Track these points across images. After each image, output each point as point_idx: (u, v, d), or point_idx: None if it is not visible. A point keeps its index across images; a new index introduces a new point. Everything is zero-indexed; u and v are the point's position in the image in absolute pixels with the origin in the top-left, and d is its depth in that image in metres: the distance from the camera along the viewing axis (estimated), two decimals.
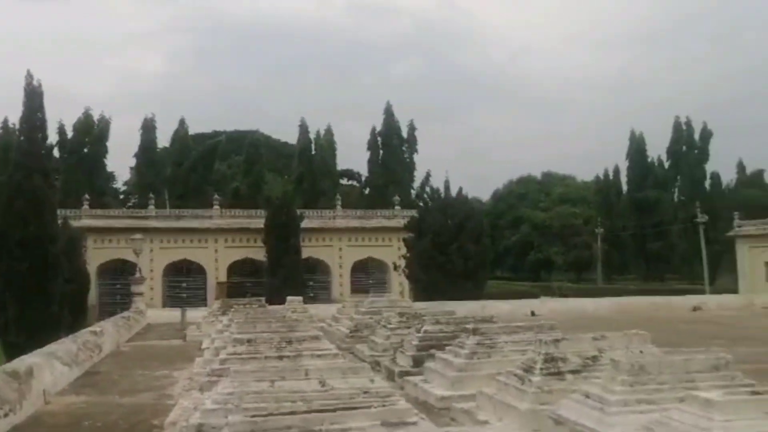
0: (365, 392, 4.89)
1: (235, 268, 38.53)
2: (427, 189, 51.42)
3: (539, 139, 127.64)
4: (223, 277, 37.74)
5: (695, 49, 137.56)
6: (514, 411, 6.54)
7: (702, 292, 40.22)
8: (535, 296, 36.81)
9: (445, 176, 44.49)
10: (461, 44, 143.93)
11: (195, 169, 50.25)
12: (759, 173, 64.87)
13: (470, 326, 9.63)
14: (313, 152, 52.79)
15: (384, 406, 4.50)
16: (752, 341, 12.26)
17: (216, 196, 41.02)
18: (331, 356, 6.89)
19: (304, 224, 37.22)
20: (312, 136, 53.44)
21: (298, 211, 37.61)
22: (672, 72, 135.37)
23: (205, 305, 28.02)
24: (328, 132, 54.46)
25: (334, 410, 4.33)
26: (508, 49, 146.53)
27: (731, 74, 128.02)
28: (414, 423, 4.40)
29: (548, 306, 22.71)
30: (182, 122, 53.74)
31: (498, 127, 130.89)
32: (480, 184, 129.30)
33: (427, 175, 53.70)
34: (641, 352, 7.01)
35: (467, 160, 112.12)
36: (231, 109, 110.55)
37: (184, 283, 37.75)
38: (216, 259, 38.30)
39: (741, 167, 63.10)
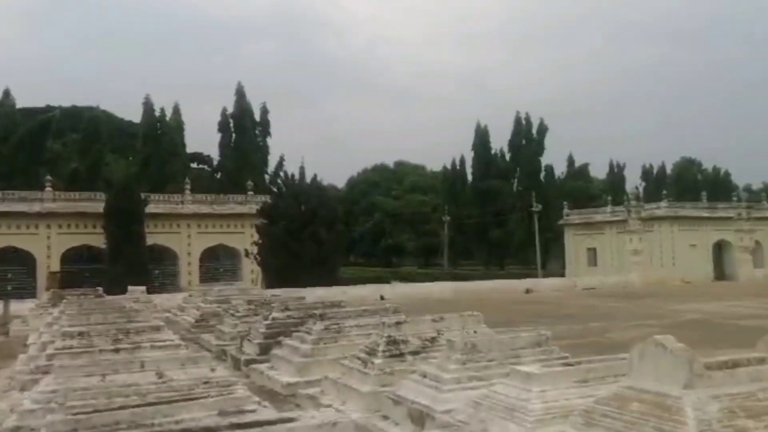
0: (205, 382, 4.79)
1: (70, 257, 35.84)
2: (281, 174, 50.82)
3: (395, 128, 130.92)
4: (56, 266, 34.97)
5: (538, 49, 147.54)
6: (357, 394, 6.71)
7: (536, 275, 43.45)
8: (387, 281, 37.91)
9: (301, 162, 44.20)
10: (320, 29, 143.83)
11: (23, 147, 45.81)
12: (585, 167, 71.06)
13: (318, 312, 9.75)
14: (160, 132, 50.20)
15: (222, 395, 4.44)
16: (572, 319, 13.46)
17: (48, 177, 37.78)
18: (172, 347, 6.67)
19: (150, 209, 35.36)
20: (158, 114, 50.78)
21: (143, 195, 35.64)
22: (518, 70, 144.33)
23: (35, 297, 25.83)
24: (176, 111, 51.89)
25: (170, 402, 4.21)
26: (369, 37, 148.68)
27: (567, 68, 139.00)
28: (253, 411, 4.39)
29: (398, 290, 23.44)
30: (7, 93, 48.76)
31: (357, 115, 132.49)
32: (337, 170, 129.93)
33: (281, 160, 52.95)
34: (475, 332, 7.47)
35: (325, 147, 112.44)
36: (67, 83, 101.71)
37: (9, 273, 34.52)
38: (48, 246, 35.37)
39: (570, 160, 68.82)
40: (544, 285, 22.57)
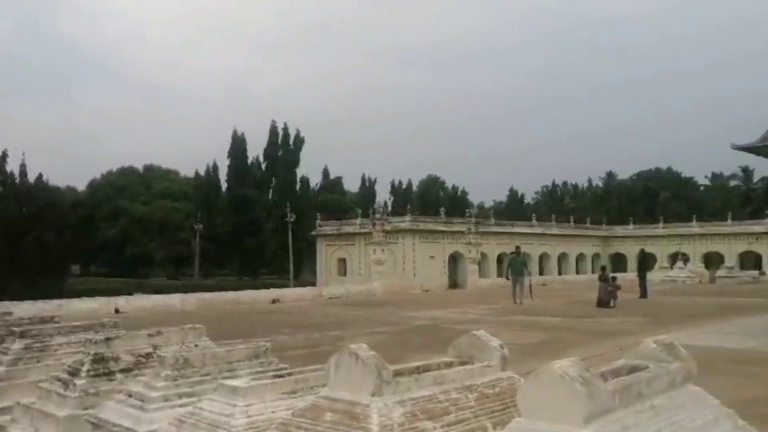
0: None
1: None
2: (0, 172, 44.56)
3: (150, 128, 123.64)
4: None
5: (300, 58, 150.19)
6: (53, 419, 5.89)
7: (288, 285, 43.72)
8: (129, 293, 35.18)
9: (21, 159, 38.87)
10: (64, 11, 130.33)
11: None
12: (339, 180, 74.04)
13: (17, 329, 8.48)
14: None
15: None
16: (312, 328, 13.58)
17: None
18: None
19: None
20: None
21: None
22: (280, 78, 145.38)
23: None
24: None
25: None
26: (126, 30, 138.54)
27: (329, 80, 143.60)
28: None
29: (136, 303, 21.72)
30: None
31: (111, 110, 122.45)
32: (81, 169, 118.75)
33: (4, 156, 46.68)
34: (196, 345, 7.03)
35: (65, 143, 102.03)
36: None
37: None
38: None
39: (326, 173, 71.16)
40: (291, 295, 22.67)
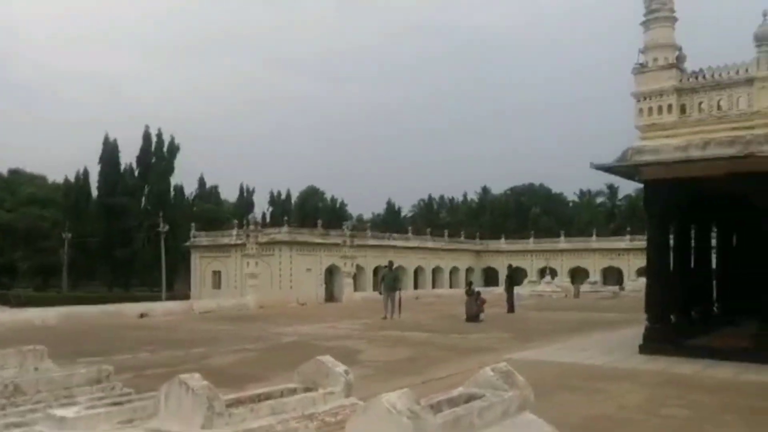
0: None
1: None
2: None
3: (17, 130, 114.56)
4: None
5: (179, 62, 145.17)
6: None
7: (160, 298, 41.87)
8: None
9: None
10: None
11: None
12: (215, 189, 71.86)
13: None
14: None
15: None
16: (178, 345, 13.04)
17: None
18: None
19: None
20: None
21: None
22: (155, 82, 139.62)
23: None
24: None
25: None
26: None
27: (208, 87, 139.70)
28: None
29: None
30: None
31: None
32: None
33: None
34: (36, 369, 6.51)
35: None
36: None
37: None
38: None
39: (202, 181, 68.94)
40: (161, 309, 21.66)
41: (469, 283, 26.14)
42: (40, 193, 69.06)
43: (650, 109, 12.82)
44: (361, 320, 19.58)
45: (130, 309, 20.93)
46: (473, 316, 19.88)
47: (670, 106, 12.62)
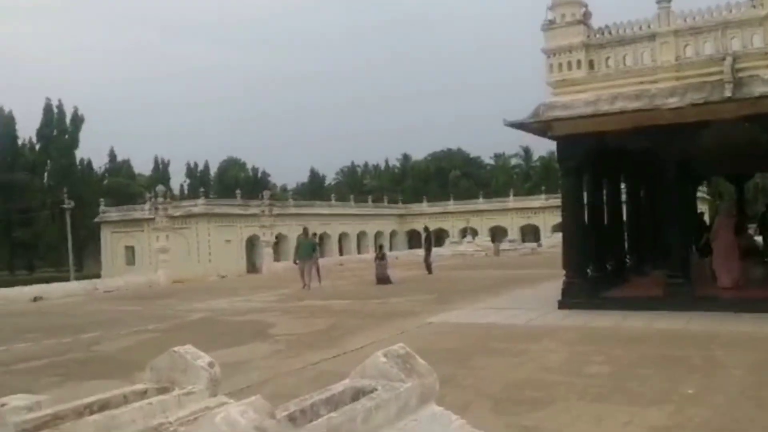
0: None
1: None
2: None
3: None
4: None
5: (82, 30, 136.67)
6: None
7: (68, 279, 39.49)
8: None
9: None
10: None
11: None
12: (127, 162, 68.48)
13: None
14: None
15: None
16: (66, 330, 11.96)
17: None
18: None
19: None
20: None
21: None
22: (59, 54, 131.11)
23: None
24: None
25: None
26: None
27: (117, 57, 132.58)
28: None
29: None
30: None
31: None
32: None
33: None
34: None
35: None
36: None
37: None
38: None
39: (113, 155, 65.48)
40: (58, 291, 20.06)
41: (380, 247, 25.97)
42: None
43: (560, 65, 12.70)
44: (280, 291, 18.80)
45: (22, 293, 19.23)
46: (385, 278, 19.59)
47: (579, 62, 12.59)
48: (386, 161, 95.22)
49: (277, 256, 37.84)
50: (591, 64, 12.54)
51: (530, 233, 59.27)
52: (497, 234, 57.78)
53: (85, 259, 52.67)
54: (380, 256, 20.78)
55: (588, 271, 13.04)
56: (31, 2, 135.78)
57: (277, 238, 38.71)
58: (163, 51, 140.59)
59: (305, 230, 20.88)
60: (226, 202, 45.76)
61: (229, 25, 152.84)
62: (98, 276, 40.02)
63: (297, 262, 20.03)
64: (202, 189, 48.26)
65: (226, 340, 10.08)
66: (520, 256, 37.66)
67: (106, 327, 12.15)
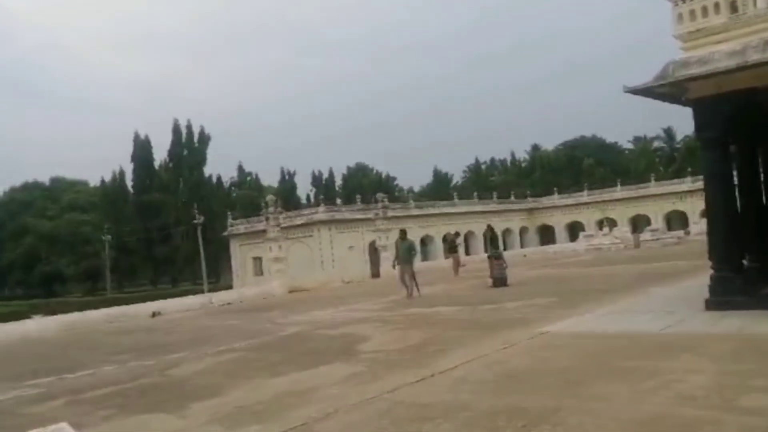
0: None
1: None
2: None
3: (60, 139, 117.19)
4: None
5: (215, 58, 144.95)
6: None
7: (203, 291, 40.98)
8: (27, 316, 31.75)
9: None
10: None
11: None
12: (254, 175, 70.84)
13: None
14: None
15: None
16: (157, 350, 11.36)
17: None
18: None
19: None
20: None
21: None
22: (201, 80, 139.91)
23: None
24: None
25: None
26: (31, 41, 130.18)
27: (233, 84, 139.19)
28: None
29: None
30: None
31: (15, 125, 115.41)
32: None
33: None
34: None
35: None
36: None
37: None
38: None
39: (241, 170, 67.95)
40: (176, 305, 20.20)
41: (495, 245, 23.92)
42: (81, 199, 69.72)
43: (692, 13, 10.40)
44: (390, 297, 17.63)
45: (143, 309, 19.51)
46: (500, 280, 17.77)
47: (716, 6, 10.22)
48: (512, 154, 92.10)
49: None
50: (733, 6, 10.16)
51: (677, 220, 54.42)
52: (639, 223, 53.55)
53: (221, 271, 54.75)
54: (496, 256, 18.94)
55: (744, 261, 10.64)
56: (186, 39, 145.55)
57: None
58: (297, 66, 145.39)
59: (402, 232, 19.09)
60: (347, 208, 45.57)
61: (356, 40, 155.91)
62: (231, 287, 41.20)
63: (394, 266, 18.60)
64: (321, 196, 48.48)
65: (306, 360, 8.96)
66: (662, 246, 34.12)
67: (197, 345, 11.50)
